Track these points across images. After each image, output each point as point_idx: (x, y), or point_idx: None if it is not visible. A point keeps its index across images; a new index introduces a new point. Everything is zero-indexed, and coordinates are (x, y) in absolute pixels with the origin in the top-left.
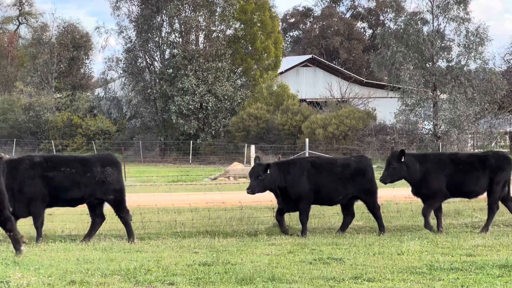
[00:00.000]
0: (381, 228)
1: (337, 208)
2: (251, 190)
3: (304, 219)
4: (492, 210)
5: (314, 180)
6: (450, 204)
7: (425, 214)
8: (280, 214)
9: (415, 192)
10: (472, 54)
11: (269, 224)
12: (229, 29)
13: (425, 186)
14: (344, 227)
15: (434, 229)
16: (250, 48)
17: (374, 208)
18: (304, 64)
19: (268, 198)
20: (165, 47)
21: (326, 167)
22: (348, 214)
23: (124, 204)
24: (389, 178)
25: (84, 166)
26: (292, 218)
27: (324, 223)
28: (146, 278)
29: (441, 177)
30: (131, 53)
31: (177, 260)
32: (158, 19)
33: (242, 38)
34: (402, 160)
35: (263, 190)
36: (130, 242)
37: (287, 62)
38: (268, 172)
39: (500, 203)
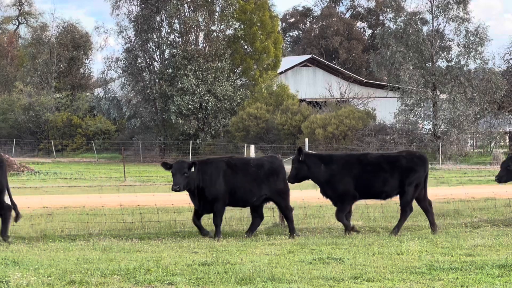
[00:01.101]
0: (292, 231)
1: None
2: (178, 186)
3: (218, 221)
4: (404, 212)
5: (230, 181)
6: (450, 204)
7: (338, 218)
8: (197, 216)
9: (323, 192)
10: (472, 54)
11: (268, 224)
12: (229, 29)
13: (331, 187)
14: (252, 229)
15: (356, 229)
16: (249, 48)
17: (286, 210)
18: (303, 64)
19: None
20: (164, 47)
21: (241, 168)
22: (257, 217)
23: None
24: (292, 178)
25: None
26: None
27: (324, 223)
28: (145, 278)
29: (348, 178)
30: (130, 53)
31: (176, 260)
32: (158, 19)
33: (242, 38)
34: (301, 159)
35: (186, 189)
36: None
37: (286, 62)
38: (193, 170)
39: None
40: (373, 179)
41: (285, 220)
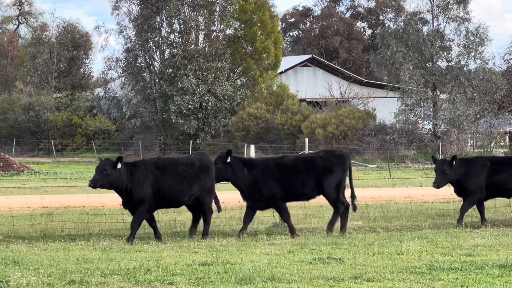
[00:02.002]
0: (205, 234)
1: None
2: (93, 183)
3: (136, 224)
4: (337, 209)
5: (158, 183)
6: (450, 204)
7: (285, 220)
8: (151, 220)
9: (244, 197)
10: (472, 54)
11: (268, 224)
12: (229, 29)
13: (256, 192)
14: (206, 229)
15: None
16: (250, 48)
17: (209, 210)
18: (303, 64)
19: None
20: (164, 47)
21: (170, 168)
22: (199, 217)
23: None
24: (214, 179)
25: None
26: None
27: (324, 223)
28: (145, 277)
29: (271, 182)
30: (131, 53)
31: (176, 260)
32: (158, 19)
33: (242, 38)
34: (228, 161)
35: (108, 187)
36: None
37: (286, 62)
38: (118, 167)
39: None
40: (292, 182)
41: (202, 220)
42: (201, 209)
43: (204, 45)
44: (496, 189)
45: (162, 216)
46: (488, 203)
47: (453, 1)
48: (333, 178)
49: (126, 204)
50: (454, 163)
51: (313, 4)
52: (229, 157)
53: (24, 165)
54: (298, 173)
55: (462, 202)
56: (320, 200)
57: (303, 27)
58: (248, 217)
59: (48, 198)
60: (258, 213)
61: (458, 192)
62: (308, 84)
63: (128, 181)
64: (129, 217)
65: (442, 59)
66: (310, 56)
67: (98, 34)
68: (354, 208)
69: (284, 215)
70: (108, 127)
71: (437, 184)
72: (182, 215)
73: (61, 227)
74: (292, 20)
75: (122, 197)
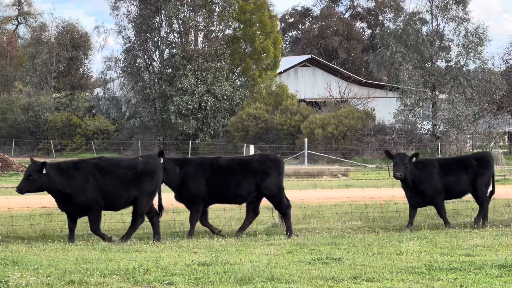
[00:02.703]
0: (126, 236)
1: (335, 208)
2: (19, 189)
3: (95, 228)
4: (284, 213)
5: (99, 185)
6: (449, 205)
7: (191, 222)
8: (72, 222)
9: (176, 197)
10: (471, 54)
11: (268, 224)
12: (228, 29)
13: (184, 191)
14: (156, 231)
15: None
16: (249, 48)
17: (139, 215)
18: (303, 64)
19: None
20: (164, 47)
21: (110, 170)
22: (155, 215)
23: None
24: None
25: None
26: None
27: (323, 223)
28: (145, 278)
29: (201, 182)
30: (130, 53)
31: (176, 260)
32: (157, 19)
33: (241, 38)
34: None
35: (37, 190)
36: None
37: (286, 62)
38: (44, 172)
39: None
40: (226, 183)
41: (153, 222)
42: (134, 211)
43: (203, 45)
44: (446, 191)
45: (162, 216)
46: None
47: (452, 1)
48: (271, 181)
49: (64, 207)
50: (413, 160)
51: (312, 4)
52: (162, 158)
53: (23, 165)
54: (232, 174)
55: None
56: (320, 200)
57: (302, 27)
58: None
59: (48, 198)
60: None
61: (409, 191)
62: (307, 84)
63: (66, 184)
64: (128, 218)
65: (442, 59)
66: (309, 56)
67: (97, 34)
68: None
69: (194, 217)
70: (108, 127)
71: (401, 174)
72: (182, 215)
73: (60, 228)
74: (291, 20)
75: (57, 200)
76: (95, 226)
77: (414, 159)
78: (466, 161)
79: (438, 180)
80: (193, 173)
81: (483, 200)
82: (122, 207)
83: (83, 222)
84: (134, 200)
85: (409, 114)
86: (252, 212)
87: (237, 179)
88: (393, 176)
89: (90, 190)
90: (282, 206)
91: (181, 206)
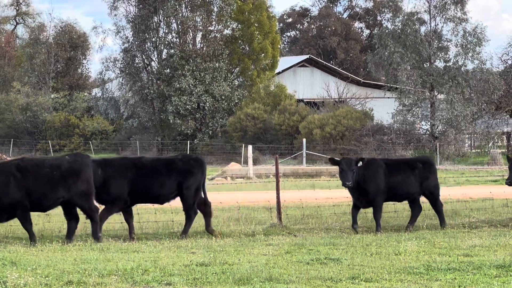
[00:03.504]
0: (95, 235)
1: (334, 208)
2: None
3: (27, 226)
4: (189, 216)
5: (21, 186)
6: (448, 205)
7: (101, 218)
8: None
9: (97, 199)
10: (470, 54)
11: (266, 224)
12: (227, 29)
13: (106, 191)
14: (70, 234)
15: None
16: (247, 48)
17: (90, 212)
18: (301, 64)
19: (265, 198)
20: (162, 47)
21: (32, 170)
22: (72, 219)
23: None
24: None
25: None
26: (289, 218)
27: (321, 224)
28: (143, 278)
29: (122, 182)
30: (128, 53)
31: (174, 260)
32: (155, 19)
33: (240, 38)
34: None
35: None
36: None
37: (284, 62)
38: None
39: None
40: (149, 183)
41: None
42: (83, 212)
43: (201, 46)
44: (390, 193)
45: (160, 216)
46: (486, 204)
47: (450, 1)
48: (193, 181)
49: None
50: (359, 164)
51: (310, 5)
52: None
53: None
54: (156, 174)
55: (458, 203)
56: (318, 200)
57: (301, 27)
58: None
59: None
60: (256, 213)
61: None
62: (306, 84)
63: None
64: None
65: (440, 60)
66: (307, 56)
67: (95, 34)
68: (207, 214)
69: (108, 215)
70: (106, 127)
71: (350, 182)
72: (180, 216)
73: (58, 228)
74: (290, 20)
75: None
76: (25, 225)
77: (361, 163)
78: (413, 163)
79: (382, 180)
80: (115, 174)
81: (436, 202)
82: (51, 207)
83: (81, 223)
84: (66, 200)
85: (407, 114)
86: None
87: (161, 179)
88: (342, 185)
89: (13, 191)
90: (191, 212)
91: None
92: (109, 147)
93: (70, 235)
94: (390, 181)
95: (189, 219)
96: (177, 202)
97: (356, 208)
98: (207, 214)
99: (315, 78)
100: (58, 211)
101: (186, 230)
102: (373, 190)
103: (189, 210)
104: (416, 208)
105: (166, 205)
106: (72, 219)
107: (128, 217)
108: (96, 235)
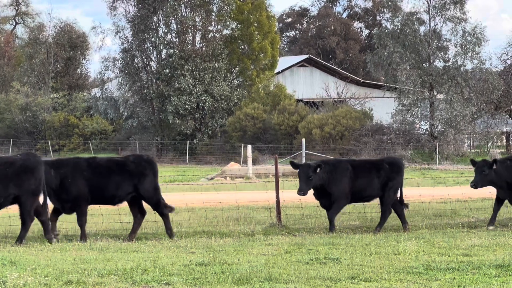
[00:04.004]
0: (19, 239)
1: None
2: None
3: None
4: (163, 214)
5: None
6: (447, 205)
7: (80, 224)
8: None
9: (52, 200)
10: (469, 54)
11: (266, 224)
12: (226, 29)
13: (64, 193)
14: (47, 233)
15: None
16: (246, 48)
17: (27, 214)
18: (300, 64)
19: (265, 198)
20: (161, 47)
21: None
22: (53, 217)
23: None
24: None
25: None
26: (289, 218)
27: (321, 223)
28: (142, 278)
29: (80, 182)
30: (127, 53)
31: (173, 260)
32: (155, 19)
33: (239, 38)
34: None
35: None
36: None
37: (283, 62)
38: None
39: None
40: (104, 184)
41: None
42: (21, 210)
43: (201, 45)
44: (356, 194)
45: (159, 216)
46: (486, 204)
47: (450, 1)
48: (148, 181)
49: None
50: (319, 169)
51: (310, 4)
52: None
53: None
54: (111, 174)
55: (458, 203)
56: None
57: (300, 27)
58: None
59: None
60: (255, 213)
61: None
62: (305, 84)
63: None
64: (125, 218)
65: (439, 59)
66: (307, 56)
67: (95, 34)
68: (171, 210)
69: (82, 219)
70: (105, 127)
71: (303, 192)
72: (179, 215)
73: (58, 228)
74: (289, 20)
75: None
76: None
77: (319, 169)
78: (379, 164)
79: (347, 183)
80: (71, 174)
81: (387, 207)
82: (2, 205)
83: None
84: (16, 198)
85: (406, 114)
86: (140, 214)
87: (116, 179)
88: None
89: None
90: (160, 207)
91: (179, 206)
92: (109, 147)
93: (21, 235)
94: (355, 183)
95: (164, 216)
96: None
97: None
98: (164, 215)
99: (315, 78)
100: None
101: (168, 227)
102: (337, 192)
103: (158, 208)
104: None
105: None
106: (43, 215)
107: (53, 217)
108: (21, 240)
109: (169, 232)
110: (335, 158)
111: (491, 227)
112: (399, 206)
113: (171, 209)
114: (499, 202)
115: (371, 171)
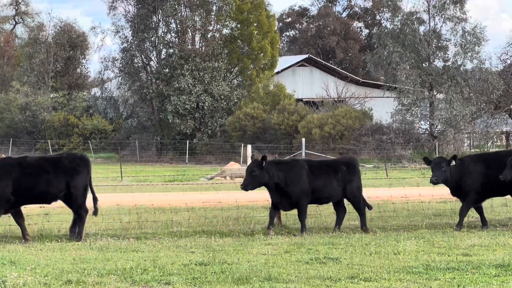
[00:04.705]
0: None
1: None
2: None
3: None
4: (80, 215)
5: None
6: (447, 204)
7: None
8: None
9: None
10: (469, 54)
11: (265, 223)
12: (226, 29)
13: None
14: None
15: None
16: (246, 47)
17: None
18: (300, 63)
19: (265, 198)
20: (161, 47)
21: None
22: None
23: None
24: None
25: None
26: (288, 218)
27: (321, 223)
28: (142, 277)
29: (7, 182)
30: (127, 53)
31: (173, 260)
32: (155, 19)
33: (239, 38)
34: None
35: None
36: None
37: (283, 61)
38: None
39: None
40: (36, 182)
41: None
42: None
43: (200, 45)
44: (314, 195)
45: (160, 216)
46: (485, 203)
47: (449, 1)
48: (80, 180)
49: None
50: (264, 164)
51: (309, 4)
52: None
53: None
54: (43, 173)
55: (457, 202)
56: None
57: (300, 27)
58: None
59: None
60: (255, 212)
61: (274, 196)
62: (305, 84)
63: None
64: (125, 217)
65: (439, 59)
66: (306, 56)
67: (94, 34)
68: (96, 212)
69: (17, 218)
70: (105, 127)
71: (243, 185)
72: (179, 215)
73: (57, 227)
74: (289, 20)
75: None
76: None
77: (264, 163)
78: (336, 164)
79: (305, 182)
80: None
81: (358, 205)
82: None
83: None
84: None
85: (406, 113)
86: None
87: (47, 177)
88: None
89: None
90: (81, 211)
91: (179, 205)
92: (108, 147)
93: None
94: (313, 183)
95: (81, 218)
96: (175, 201)
97: (275, 209)
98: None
99: (314, 78)
100: (58, 210)
101: (81, 232)
102: (296, 192)
103: (79, 210)
104: (340, 211)
105: (165, 204)
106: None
107: (18, 218)
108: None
109: (79, 236)
110: (292, 158)
111: (457, 231)
112: (343, 208)
113: (87, 211)
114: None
115: (328, 171)
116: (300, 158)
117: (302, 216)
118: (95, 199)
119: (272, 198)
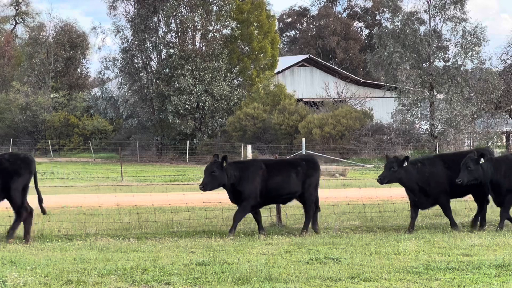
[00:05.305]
0: None
1: (333, 208)
2: None
3: None
4: (19, 215)
5: None
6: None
7: None
8: None
9: None
10: (469, 54)
11: (266, 224)
12: (226, 29)
13: None
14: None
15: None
16: (246, 47)
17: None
18: (300, 64)
19: None
20: (161, 47)
21: None
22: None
23: None
24: None
25: None
26: (289, 218)
27: (321, 223)
28: (142, 277)
29: None
30: (127, 53)
31: (173, 260)
32: (155, 19)
33: (239, 38)
34: None
35: None
36: None
37: (283, 62)
38: None
39: None
40: None
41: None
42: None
43: (201, 45)
44: (270, 194)
45: (160, 216)
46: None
47: (450, 1)
48: (20, 181)
49: None
50: (224, 164)
51: (310, 4)
52: None
53: None
54: None
55: (458, 202)
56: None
57: (300, 27)
58: None
59: (45, 198)
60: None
61: (232, 197)
62: (305, 84)
63: None
64: (125, 217)
65: (439, 59)
66: (307, 56)
67: (94, 34)
68: (44, 212)
69: None
70: (105, 127)
71: (202, 186)
72: (179, 215)
73: (58, 227)
74: (289, 20)
75: None
76: None
77: (225, 163)
78: (295, 162)
79: (258, 182)
80: None
81: (310, 205)
82: None
83: (80, 222)
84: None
85: (406, 114)
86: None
87: None
88: None
89: None
90: (22, 210)
91: (179, 205)
92: (109, 147)
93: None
94: (269, 182)
95: (19, 218)
96: (175, 201)
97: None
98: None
99: (315, 78)
100: (57, 210)
101: (27, 231)
102: (245, 191)
103: (20, 210)
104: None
105: (166, 204)
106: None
107: None
108: (20, 235)
109: (12, 233)
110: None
111: (408, 234)
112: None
113: (32, 211)
114: (415, 208)
115: (288, 169)
116: (259, 158)
117: (239, 214)
118: (40, 200)
119: (229, 198)
